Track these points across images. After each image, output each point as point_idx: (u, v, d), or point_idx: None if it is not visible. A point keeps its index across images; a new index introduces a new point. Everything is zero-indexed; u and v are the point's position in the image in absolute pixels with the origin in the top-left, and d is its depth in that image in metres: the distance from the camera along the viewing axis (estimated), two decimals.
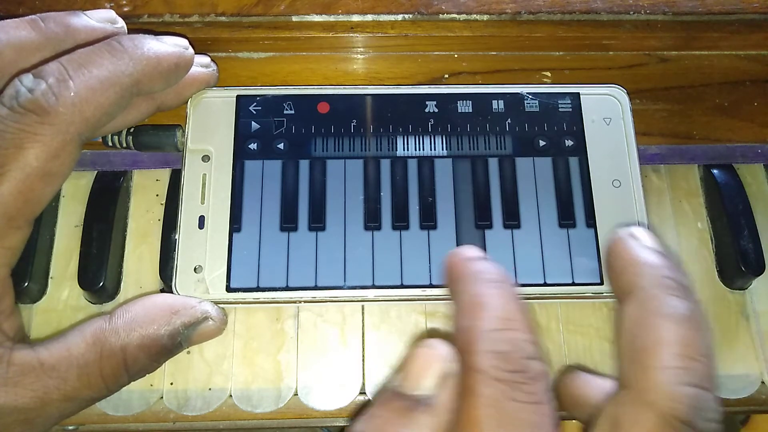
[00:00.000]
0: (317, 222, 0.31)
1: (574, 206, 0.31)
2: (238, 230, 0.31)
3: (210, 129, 0.32)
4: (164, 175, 0.34)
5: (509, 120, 0.33)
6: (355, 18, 0.35)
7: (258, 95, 0.33)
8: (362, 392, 0.31)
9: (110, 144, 0.32)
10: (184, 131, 0.32)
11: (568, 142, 0.33)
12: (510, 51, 0.36)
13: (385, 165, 0.32)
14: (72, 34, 0.28)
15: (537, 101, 0.33)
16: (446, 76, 0.36)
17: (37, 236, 0.32)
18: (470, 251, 0.26)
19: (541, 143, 0.33)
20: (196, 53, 0.30)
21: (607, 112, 0.33)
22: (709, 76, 0.36)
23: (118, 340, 0.26)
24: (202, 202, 0.31)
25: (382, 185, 0.32)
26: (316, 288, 0.30)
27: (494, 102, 0.33)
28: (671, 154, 0.35)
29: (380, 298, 0.30)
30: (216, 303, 0.29)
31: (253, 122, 0.33)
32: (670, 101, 0.36)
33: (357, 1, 0.34)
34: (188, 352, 0.31)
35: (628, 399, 0.21)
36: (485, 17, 0.35)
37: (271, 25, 0.35)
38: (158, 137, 0.33)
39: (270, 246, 0.30)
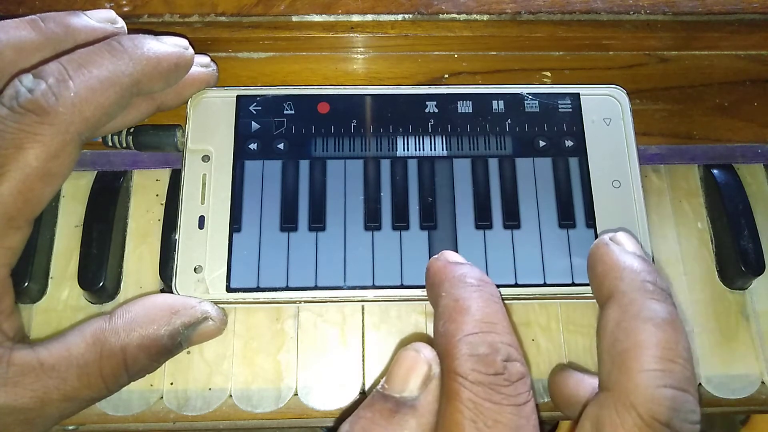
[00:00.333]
0: (317, 222, 0.31)
1: (573, 206, 0.31)
2: (238, 230, 0.31)
3: (210, 129, 0.32)
4: (164, 175, 0.34)
5: (509, 120, 0.33)
6: (355, 18, 0.35)
7: (258, 95, 0.33)
8: (362, 392, 0.31)
9: (110, 144, 0.32)
10: (184, 131, 0.32)
11: (568, 143, 0.33)
12: (510, 51, 0.36)
13: (385, 165, 0.32)
14: (72, 34, 0.28)
15: (537, 101, 0.33)
16: (446, 76, 0.36)
17: (37, 236, 0.32)
18: (452, 256, 0.26)
19: (541, 143, 0.33)
20: (196, 53, 0.30)
21: (607, 113, 0.33)
22: (709, 76, 0.36)
23: (118, 340, 0.26)
24: (202, 202, 0.31)
25: (382, 185, 0.32)
26: (316, 288, 0.30)
27: (494, 102, 0.33)
28: (671, 154, 0.35)
29: (380, 298, 0.30)
30: (216, 303, 0.29)
31: (253, 122, 0.33)
32: (670, 101, 0.36)
33: (357, 1, 0.34)
34: (188, 352, 0.31)
35: (609, 401, 0.21)
36: (485, 17, 0.35)
37: (271, 25, 0.35)
38: (158, 137, 0.33)
39: (270, 246, 0.30)
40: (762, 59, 0.37)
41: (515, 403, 0.21)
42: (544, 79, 0.36)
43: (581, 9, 0.35)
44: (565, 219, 0.31)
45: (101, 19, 0.29)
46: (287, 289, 0.30)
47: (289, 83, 0.35)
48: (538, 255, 0.31)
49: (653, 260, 0.31)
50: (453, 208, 0.31)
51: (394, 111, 0.33)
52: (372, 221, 0.31)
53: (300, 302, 0.30)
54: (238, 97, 0.33)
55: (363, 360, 0.31)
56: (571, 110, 0.33)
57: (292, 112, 0.33)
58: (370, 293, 0.30)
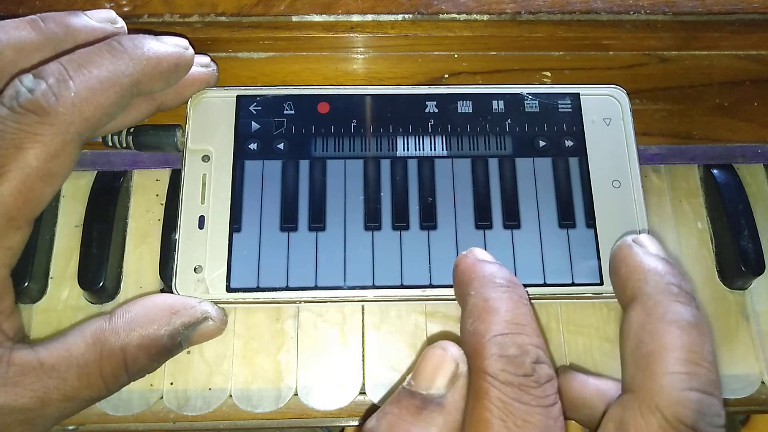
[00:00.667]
0: (317, 222, 0.31)
1: (573, 206, 0.31)
2: (238, 230, 0.31)
3: (210, 129, 0.32)
4: (164, 175, 0.34)
5: (509, 120, 0.33)
6: (355, 18, 0.35)
7: (258, 95, 0.33)
8: (362, 392, 0.31)
9: (110, 144, 0.32)
10: (184, 131, 0.32)
11: (568, 143, 0.33)
12: (510, 51, 0.36)
13: (385, 165, 0.32)
14: (72, 34, 0.28)
15: (537, 101, 0.33)
16: (446, 76, 0.36)
17: (37, 236, 0.32)
18: (481, 253, 0.26)
19: (541, 143, 0.33)
20: (196, 53, 0.30)
21: (607, 113, 0.33)
22: (709, 76, 0.36)
23: (118, 340, 0.26)
24: (202, 202, 0.31)
25: (382, 185, 0.32)
26: (316, 288, 0.30)
27: (494, 102, 0.33)
28: (671, 154, 0.35)
29: (380, 298, 0.30)
30: (216, 303, 0.29)
31: (253, 122, 0.33)
32: (670, 101, 0.36)
33: (357, 1, 0.34)
34: (188, 352, 0.31)
35: (633, 403, 0.21)
36: (485, 17, 0.35)
37: (271, 25, 0.35)
38: (158, 137, 0.33)
39: (270, 246, 0.30)
40: (762, 59, 0.37)
41: (544, 405, 0.21)
42: (544, 79, 0.36)
43: (581, 9, 0.35)
44: (565, 219, 0.31)
45: (101, 19, 0.29)
46: (287, 289, 0.30)
47: (289, 83, 0.35)
48: (538, 255, 0.31)
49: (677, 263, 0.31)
50: (453, 208, 0.31)
51: (394, 111, 0.33)
52: (372, 221, 0.31)
53: (300, 302, 0.30)
54: (238, 97, 0.33)
55: (363, 360, 0.31)
56: (571, 110, 0.33)
57: (292, 112, 0.33)
58: (370, 293, 0.30)
